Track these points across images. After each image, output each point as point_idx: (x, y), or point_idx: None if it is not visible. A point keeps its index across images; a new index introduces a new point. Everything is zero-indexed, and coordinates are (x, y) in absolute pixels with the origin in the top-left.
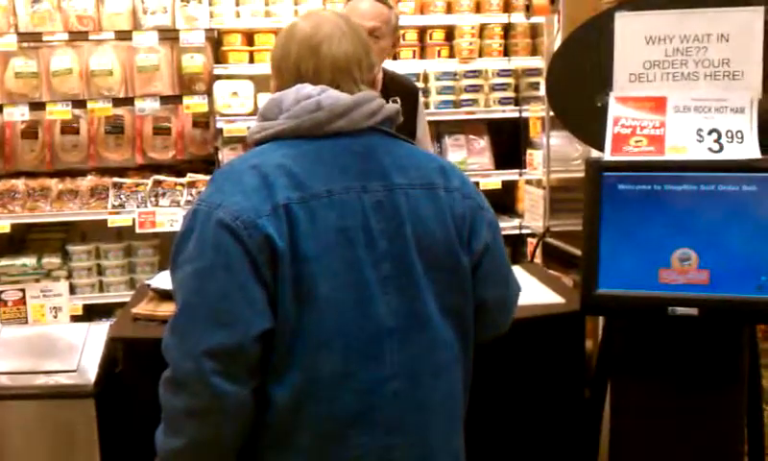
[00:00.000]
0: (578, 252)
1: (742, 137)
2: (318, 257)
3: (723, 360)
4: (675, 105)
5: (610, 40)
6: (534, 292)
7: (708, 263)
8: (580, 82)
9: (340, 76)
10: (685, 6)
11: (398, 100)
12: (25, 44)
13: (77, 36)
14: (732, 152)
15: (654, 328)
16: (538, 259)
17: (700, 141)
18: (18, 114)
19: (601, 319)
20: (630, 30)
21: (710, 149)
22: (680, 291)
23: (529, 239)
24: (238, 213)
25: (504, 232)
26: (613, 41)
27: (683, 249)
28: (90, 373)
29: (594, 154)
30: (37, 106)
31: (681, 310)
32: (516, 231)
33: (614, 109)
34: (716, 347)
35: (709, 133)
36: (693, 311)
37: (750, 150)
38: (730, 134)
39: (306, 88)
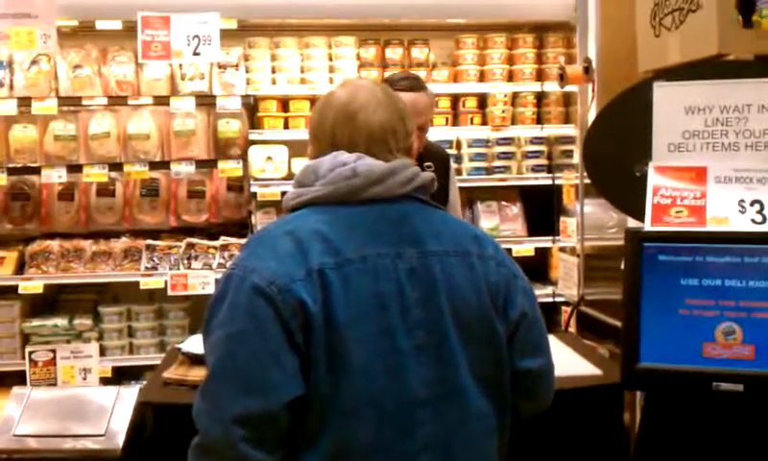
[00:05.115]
0: (614, 321)
1: None
2: (351, 323)
3: None
4: (716, 175)
5: (648, 110)
6: (570, 363)
7: (753, 338)
8: (618, 151)
9: (374, 145)
10: (725, 76)
11: (432, 165)
12: (65, 108)
13: (116, 101)
14: None
15: (697, 404)
16: (572, 328)
17: (742, 212)
18: (56, 176)
19: (639, 392)
20: (669, 100)
21: (753, 220)
22: (724, 366)
23: (563, 307)
24: (272, 278)
25: (537, 300)
26: (652, 111)
27: (727, 322)
28: (118, 437)
29: (631, 223)
30: (75, 168)
31: (725, 386)
32: (550, 300)
33: (654, 179)
34: (762, 424)
35: (752, 204)
36: (738, 387)
37: None
38: None
39: (342, 156)
